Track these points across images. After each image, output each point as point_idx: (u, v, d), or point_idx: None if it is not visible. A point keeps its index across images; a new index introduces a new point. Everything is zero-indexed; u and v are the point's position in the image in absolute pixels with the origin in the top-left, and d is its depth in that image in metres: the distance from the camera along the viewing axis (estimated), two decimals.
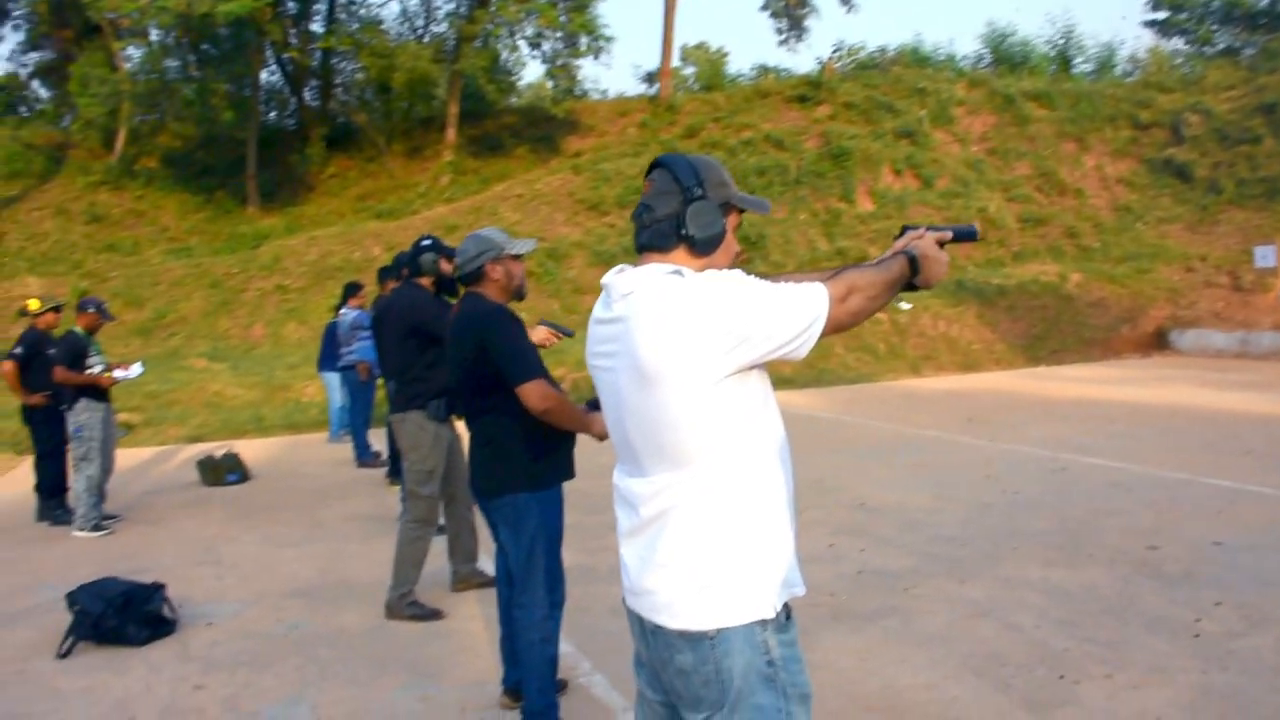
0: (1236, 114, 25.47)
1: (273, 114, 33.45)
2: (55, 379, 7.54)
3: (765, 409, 2.08)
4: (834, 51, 36.74)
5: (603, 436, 3.32)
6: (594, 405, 3.63)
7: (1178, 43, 37.92)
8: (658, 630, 2.08)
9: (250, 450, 11.10)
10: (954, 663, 4.39)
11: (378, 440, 10.68)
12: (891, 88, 28.17)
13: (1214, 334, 18.61)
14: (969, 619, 4.96)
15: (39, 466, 8.25)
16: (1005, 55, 35.45)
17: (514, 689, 4.04)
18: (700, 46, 49.40)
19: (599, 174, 24.07)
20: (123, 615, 5.08)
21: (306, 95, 32.30)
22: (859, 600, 5.33)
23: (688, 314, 1.95)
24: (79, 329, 7.70)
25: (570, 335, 4.63)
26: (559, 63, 30.68)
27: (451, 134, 28.61)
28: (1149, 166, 25.85)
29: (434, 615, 5.33)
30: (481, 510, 3.85)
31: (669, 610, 2.04)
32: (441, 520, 5.84)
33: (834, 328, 2.05)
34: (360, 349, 10.27)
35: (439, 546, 6.00)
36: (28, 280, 20.44)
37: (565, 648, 4.57)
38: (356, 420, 10.62)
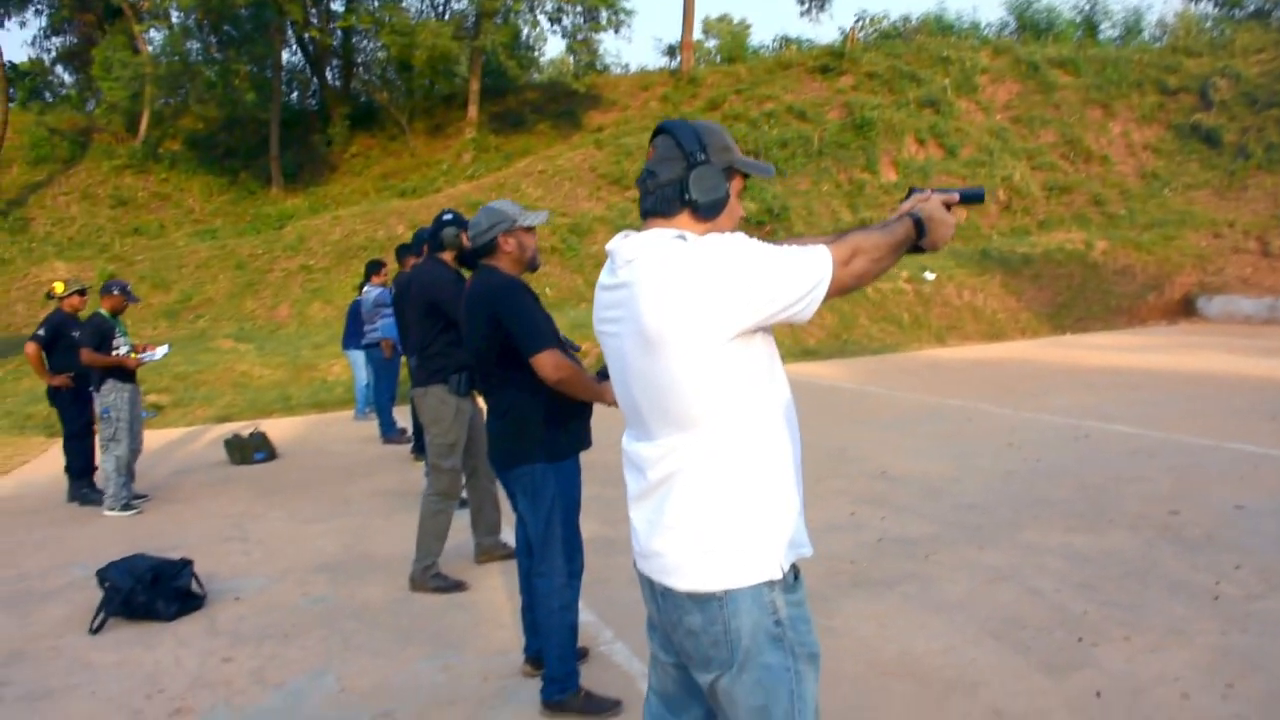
0: (1266, 78, 25.10)
1: (295, 95, 33.63)
2: (82, 361, 7.62)
3: (770, 372, 2.08)
4: (856, 21, 36.55)
5: (615, 403, 3.35)
6: (605, 375, 3.66)
7: (1206, 6, 37.29)
8: (667, 592, 2.10)
9: (277, 429, 11.20)
10: (973, 627, 4.40)
11: (402, 417, 10.77)
12: (915, 57, 27.92)
13: (1242, 300, 18.42)
14: (988, 584, 4.97)
15: (67, 448, 8.35)
16: (1030, 22, 35.04)
17: (535, 657, 4.09)
18: (722, 19, 49.19)
19: (621, 148, 24.01)
20: (152, 591, 5.16)
21: (328, 75, 32.41)
22: (879, 567, 5.34)
23: (691, 278, 1.96)
24: (104, 311, 7.78)
25: (578, 350, 4.63)
26: (580, 37, 30.67)
27: (473, 111, 28.61)
28: (1176, 132, 25.54)
29: (457, 587, 5.39)
30: (500, 481, 3.89)
31: (678, 572, 2.07)
32: (464, 494, 5.90)
33: (838, 290, 2.05)
34: (383, 326, 10.33)
35: (463, 521, 6.07)
36: (56, 265, 20.64)
37: (587, 617, 4.63)
38: (381, 397, 10.69)
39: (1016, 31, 34.86)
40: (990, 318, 18.55)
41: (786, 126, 24.98)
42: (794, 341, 16.72)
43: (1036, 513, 6.24)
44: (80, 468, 8.32)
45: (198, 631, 5.00)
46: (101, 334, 7.60)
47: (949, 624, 4.47)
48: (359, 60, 32.90)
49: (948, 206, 2.33)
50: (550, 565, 3.69)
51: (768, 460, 2.05)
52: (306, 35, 29.93)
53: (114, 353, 7.63)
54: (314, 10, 29.70)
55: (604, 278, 2.22)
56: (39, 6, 33.22)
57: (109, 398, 7.64)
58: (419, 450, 9.04)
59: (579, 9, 29.14)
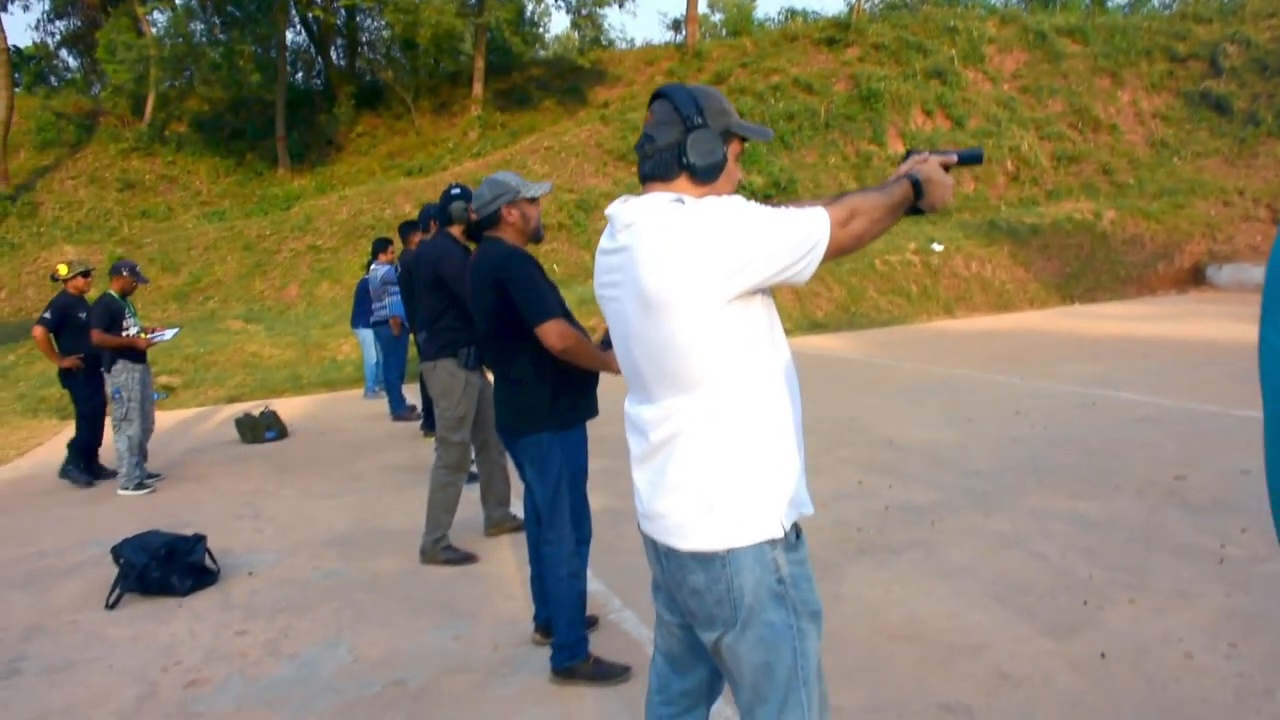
0: (1276, 44, 24.89)
1: (299, 75, 33.53)
2: (93, 341, 7.68)
3: (770, 334, 2.10)
4: None
5: (620, 371, 3.38)
6: (608, 343, 3.69)
7: None
8: (670, 552, 2.13)
9: (287, 408, 11.26)
10: (978, 592, 4.44)
11: (411, 394, 10.82)
12: (921, 27, 27.75)
13: (1252, 268, 18.33)
14: (994, 550, 5.00)
15: (78, 426, 8.39)
16: None
17: (545, 626, 4.14)
18: None
19: (627, 124, 23.94)
20: (166, 566, 5.22)
21: (333, 55, 32.32)
22: (886, 534, 5.38)
23: (690, 240, 1.97)
24: (114, 292, 7.82)
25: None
26: (584, 12, 30.50)
27: (478, 88, 28.55)
28: (1186, 100, 25.36)
29: (467, 559, 5.44)
30: (508, 451, 3.93)
31: (680, 532, 2.09)
32: (474, 468, 5.95)
33: (836, 250, 2.07)
34: (391, 304, 10.37)
35: (472, 494, 6.12)
36: (65, 249, 20.69)
37: (596, 586, 4.68)
38: (391, 374, 10.74)
39: (1024, 0, 34.58)
40: (999, 289, 18.52)
41: (793, 99, 24.89)
42: (802, 314, 16.73)
43: (1043, 479, 6.27)
44: (84, 447, 8.32)
45: (212, 605, 5.06)
46: (111, 314, 7.65)
47: (955, 589, 4.50)
48: (363, 39, 32.81)
49: (945, 168, 2.35)
50: (558, 533, 3.73)
51: (768, 421, 2.07)
52: (310, 15, 29.84)
53: (124, 333, 7.68)
54: None
55: (604, 242, 2.24)
56: None
57: (120, 378, 7.70)
58: (429, 426, 9.10)
59: None
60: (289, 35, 30.20)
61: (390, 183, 23.76)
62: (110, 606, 5.10)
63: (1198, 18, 28.04)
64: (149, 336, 7.88)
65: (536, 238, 3.97)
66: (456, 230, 5.50)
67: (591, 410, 3.84)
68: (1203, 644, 3.74)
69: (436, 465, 5.46)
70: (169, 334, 8.19)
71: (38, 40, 36.66)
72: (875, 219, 2.14)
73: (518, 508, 6.04)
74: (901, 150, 23.42)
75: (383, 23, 30.41)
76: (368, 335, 11.63)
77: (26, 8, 57.05)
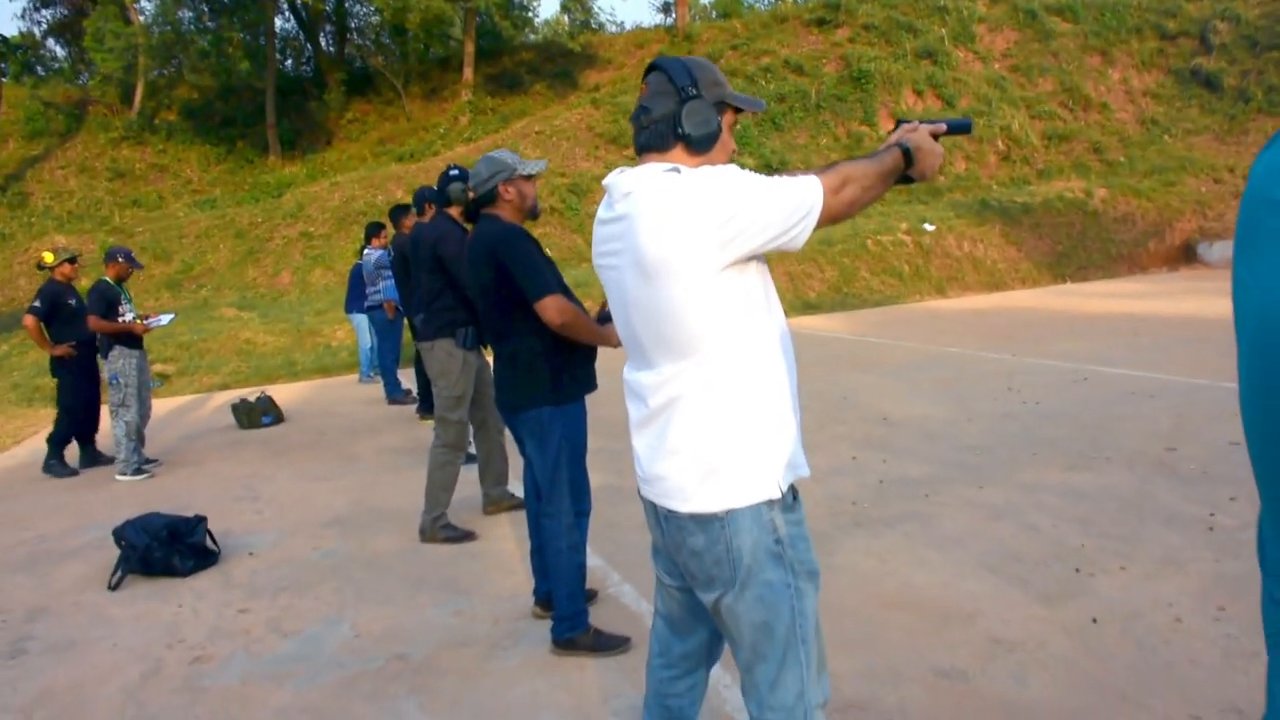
0: (1266, 19, 24.93)
1: (289, 62, 33.43)
2: (90, 327, 7.70)
3: (766, 299, 2.14)
4: None
5: (619, 344, 3.43)
6: (605, 318, 3.74)
7: None
8: (670, 515, 2.18)
9: (283, 394, 11.30)
10: (971, 562, 4.50)
11: (406, 379, 10.85)
12: (911, 7, 27.73)
13: None
14: (987, 521, 5.07)
15: (58, 419, 8.35)
16: None
17: (545, 599, 4.19)
18: None
19: (618, 107, 23.93)
20: (168, 547, 5.26)
21: (322, 41, 32.21)
22: (880, 507, 5.44)
23: (686, 208, 2.01)
24: (109, 278, 7.83)
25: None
26: None
27: (469, 73, 28.51)
28: (1176, 77, 25.41)
29: (466, 537, 5.50)
30: (507, 425, 3.98)
31: (680, 495, 2.14)
32: (471, 448, 5.99)
33: (829, 218, 2.11)
34: (386, 288, 10.39)
35: (471, 473, 6.17)
36: (56, 238, 20.69)
37: (595, 561, 4.74)
38: (386, 359, 10.77)
39: None
40: (990, 268, 18.58)
41: (784, 81, 24.89)
42: (795, 295, 16.78)
43: (1035, 452, 6.34)
44: (61, 439, 8.29)
45: (213, 585, 5.11)
46: (108, 300, 7.67)
47: (948, 559, 4.57)
48: (353, 25, 32.73)
49: (935, 137, 2.39)
50: (558, 507, 3.78)
51: (765, 385, 2.11)
52: (299, 1, 29.75)
53: (120, 319, 7.70)
54: None
55: (602, 212, 2.28)
56: None
57: (117, 364, 7.72)
58: (424, 409, 9.14)
59: None
60: (278, 22, 30.14)
61: (381, 168, 23.74)
62: (113, 588, 5.14)
63: None
64: (146, 322, 7.91)
65: (533, 214, 4.01)
66: (455, 211, 5.53)
67: (590, 384, 3.88)
68: (1192, 608, 3.81)
69: (435, 444, 5.51)
70: (165, 319, 8.23)
71: (24, 30, 36.46)
72: (867, 186, 2.18)
73: (515, 486, 6.10)
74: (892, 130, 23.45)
75: (372, 8, 30.38)
76: (362, 320, 11.66)
77: None
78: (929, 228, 18.83)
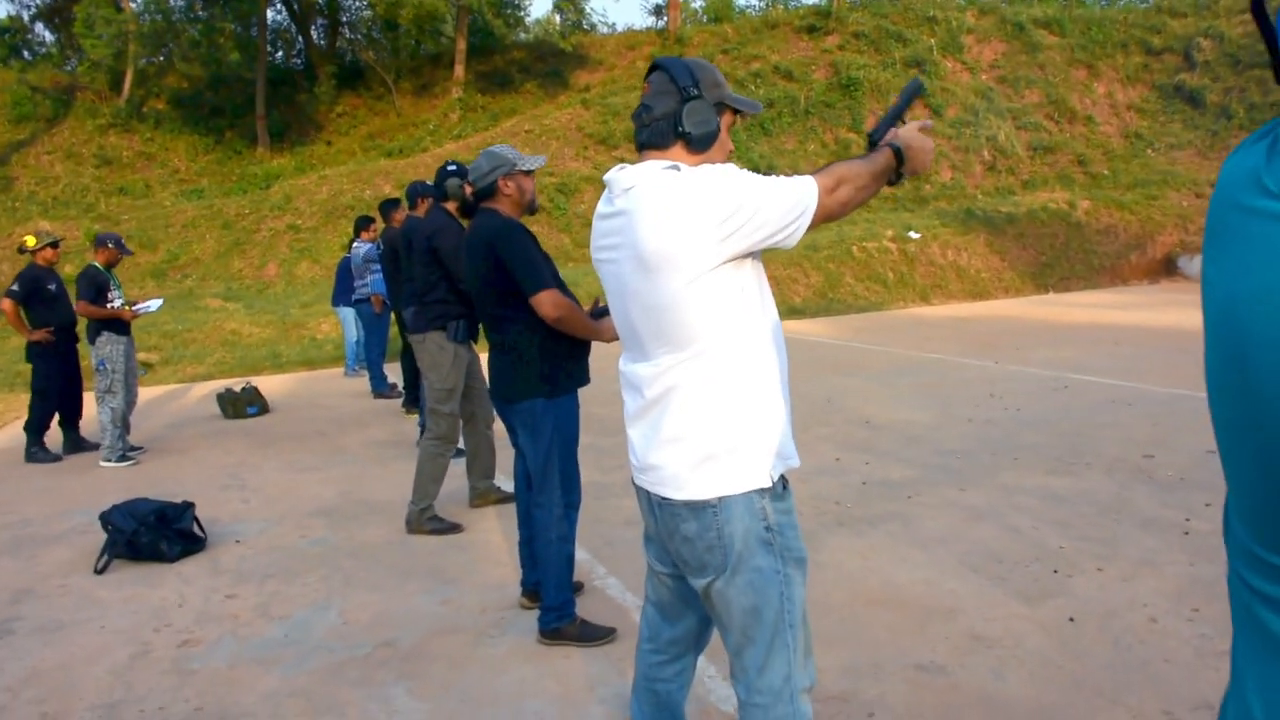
0: (1249, 38, 25.17)
1: (280, 54, 33.34)
2: (78, 313, 7.70)
3: (760, 294, 2.21)
4: None
5: (613, 339, 3.49)
6: (599, 313, 3.80)
7: None
8: (664, 503, 2.24)
9: (268, 385, 11.30)
10: (953, 561, 4.58)
11: (393, 373, 10.87)
12: (901, 16, 27.91)
13: None
14: (968, 522, 5.15)
15: (31, 405, 8.32)
16: None
17: (533, 590, 4.24)
18: None
19: (608, 108, 24.00)
20: (155, 532, 5.28)
21: (313, 34, 32.17)
22: (863, 508, 5.52)
23: (684, 205, 2.07)
24: (98, 263, 7.83)
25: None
26: None
27: (460, 70, 28.50)
28: (1160, 92, 25.66)
29: (453, 529, 5.54)
30: (500, 416, 4.03)
31: (674, 483, 2.20)
32: (461, 444, 6.03)
33: (824, 217, 2.17)
34: (374, 282, 10.41)
35: (457, 468, 6.21)
36: (41, 224, 20.56)
37: (581, 555, 4.79)
38: (372, 352, 10.79)
39: None
40: (974, 277, 18.72)
41: (773, 86, 25.01)
42: (780, 299, 16.83)
43: (1016, 457, 6.43)
44: (38, 425, 8.25)
45: (200, 571, 5.13)
46: (97, 286, 7.67)
47: (930, 558, 4.64)
48: (344, 19, 32.65)
49: (901, 119, 2.46)
50: (549, 497, 3.83)
51: (758, 377, 2.18)
52: None
53: (109, 305, 7.70)
54: None
55: (601, 207, 2.34)
56: None
57: (105, 349, 7.72)
58: (410, 403, 9.17)
59: None
60: (269, 13, 30.02)
61: (370, 163, 23.73)
62: (99, 571, 5.16)
63: (1172, 11, 28.33)
64: (134, 308, 7.92)
65: (531, 209, 4.07)
66: (452, 206, 5.58)
67: (583, 378, 3.94)
68: (1166, 609, 3.89)
69: (427, 436, 5.56)
70: (154, 305, 8.23)
71: (12, 13, 36.24)
72: (860, 186, 2.25)
73: (502, 480, 6.15)
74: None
75: (364, 3, 30.36)
76: (349, 314, 11.67)
77: None
78: (914, 235, 18.96)
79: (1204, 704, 3.14)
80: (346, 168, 23.44)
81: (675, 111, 2.23)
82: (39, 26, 36.47)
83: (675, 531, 2.24)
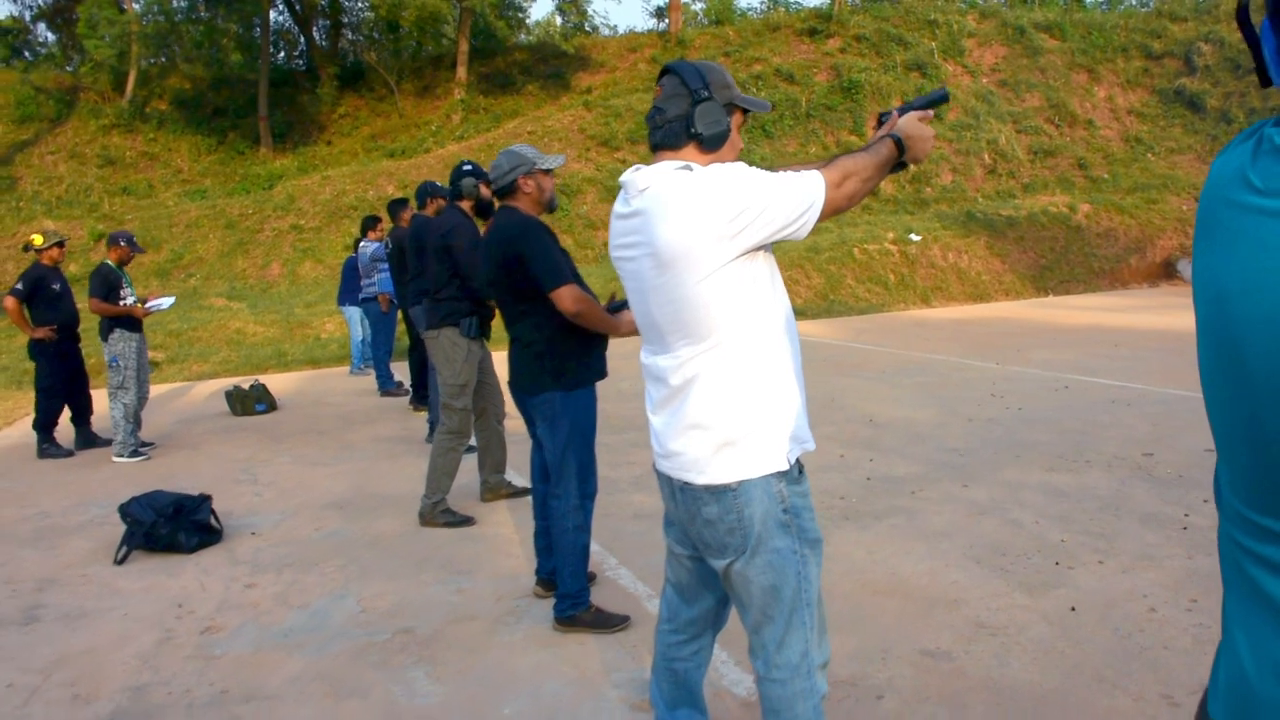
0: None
1: (282, 55, 33.45)
2: (91, 310, 7.80)
3: (773, 286, 2.31)
4: None
5: (629, 333, 3.61)
6: (615, 308, 3.92)
7: None
8: (685, 487, 2.34)
9: (275, 383, 11.40)
10: (956, 553, 4.68)
11: (399, 371, 10.98)
12: (902, 20, 28.05)
13: None
14: (971, 516, 5.25)
15: (36, 404, 8.39)
16: None
17: (548, 579, 4.35)
18: None
19: (610, 110, 24.12)
20: (173, 524, 5.38)
21: (316, 35, 32.26)
22: (868, 502, 5.62)
23: (699, 203, 2.18)
24: (111, 262, 7.93)
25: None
26: None
27: (462, 72, 28.61)
28: (1160, 97, 25.79)
29: (466, 521, 5.64)
30: (519, 407, 4.13)
31: (696, 467, 2.30)
32: (472, 440, 6.13)
33: (832, 210, 2.27)
34: (381, 280, 10.51)
35: (469, 462, 6.31)
36: (45, 223, 20.65)
37: (593, 547, 4.88)
38: (379, 351, 10.88)
39: None
40: (974, 279, 18.83)
41: (775, 89, 25.13)
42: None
43: (1018, 454, 6.54)
44: (44, 423, 8.35)
45: (218, 562, 5.24)
46: (109, 284, 7.77)
47: (934, 550, 4.75)
48: (347, 20, 32.78)
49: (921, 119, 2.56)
50: (566, 487, 3.93)
51: (774, 364, 2.28)
52: None
53: (121, 303, 7.81)
54: None
55: (619, 207, 2.44)
56: None
57: (117, 346, 7.82)
58: (418, 401, 9.28)
59: None
60: (272, 14, 30.11)
61: (373, 164, 23.84)
62: (119, 562, 5.26)
63: (1173, 16, 28.47)
64: (146, 305, 8.02)
65: (550, 208, 4.18)
66: (466, 205, 5.69)
67: (601, 372, 4.04)
68: (1165, 599, 4.00)
69: (440, 430, 5.66)
70: (166, 303, 8.33)
71: (14, 14, 36.34)
72: (865, 178, 2.35)
73: (513, 475, 6.26)
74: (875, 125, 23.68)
75: (366, 4, 30.42)
76: (354, 312, 11.77)
77: None
78: (915, 238, 19.07)
79: (1202, 688, 3.23)
80: (349, 168, 23.55)
81: (687, 113, 2.33)
82: (40, 27, 36.63)
83: (696, 515, 2.34)
